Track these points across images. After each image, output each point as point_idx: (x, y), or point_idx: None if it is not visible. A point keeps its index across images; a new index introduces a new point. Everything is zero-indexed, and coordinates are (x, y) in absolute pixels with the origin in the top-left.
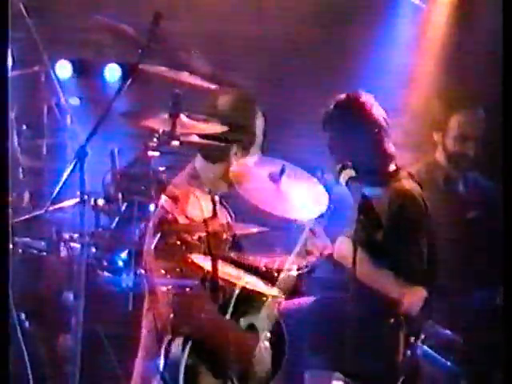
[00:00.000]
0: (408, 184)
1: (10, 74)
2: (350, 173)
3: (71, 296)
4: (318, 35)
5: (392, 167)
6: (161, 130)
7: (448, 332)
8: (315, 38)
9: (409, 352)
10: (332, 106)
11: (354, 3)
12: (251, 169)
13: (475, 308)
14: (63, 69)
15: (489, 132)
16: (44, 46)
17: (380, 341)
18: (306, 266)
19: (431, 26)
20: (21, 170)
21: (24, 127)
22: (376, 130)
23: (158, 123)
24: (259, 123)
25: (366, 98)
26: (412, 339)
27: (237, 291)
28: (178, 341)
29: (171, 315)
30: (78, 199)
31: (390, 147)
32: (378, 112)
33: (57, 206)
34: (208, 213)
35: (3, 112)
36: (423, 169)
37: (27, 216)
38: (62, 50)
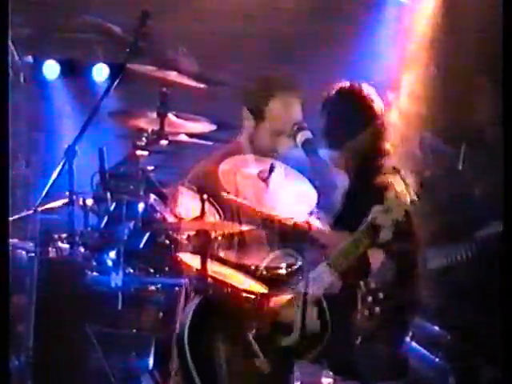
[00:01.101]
0: (392, 179)
1: None
2: (306, 134)
3: (25, 256)
4: (305, 33)
5: (381, 162)
6: (149, 130)
7: (436, 328)
8: (303, 35)
9: (367, 312)
10: (334, 92)
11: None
12: (240, 167)
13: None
14: (51, 69)
15: (441, 91)
16: (32, 45)
17: (339, 300)
18: (295, 264)
19: None
20: None
21: None
22: (374, 125)
23: (147, 122)
24: (275, 107)
25: (369, 91)
26: (370, 299)
27: None
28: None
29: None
30: (66, 199)
31: (385, 143)
32: (379, 108)
33: (46, 207)
34: (196, 212)
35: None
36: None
37: (15, 217)
38: (49, 50)
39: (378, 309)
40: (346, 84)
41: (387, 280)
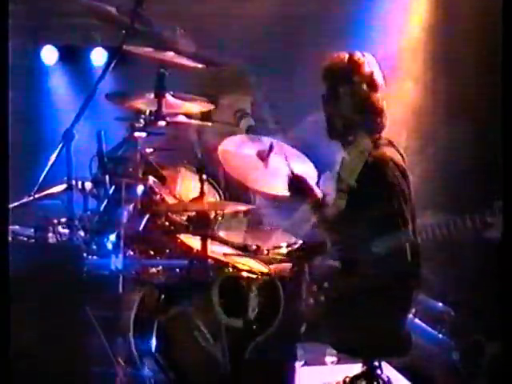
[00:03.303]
0: (388, 151)
1: None
2: (248, 121)
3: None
4: (305, 13)
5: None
6: (147, 111)
7: (439, 304)
8: (297, 17)
9: (312, 300)
10: (333, 60)
11: None
12: (239, 147)
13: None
14: (50, 54)
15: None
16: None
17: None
18: (295, 243)
19: None
20: None
21: None
22: (373, 92)
23: (145, 104)
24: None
25: (369, 59)
26: (314, 287)
27: None
28: None
29: None
30: (65, 185)
31: (384, 110)
32: (379, 76)
33: (45, 193)
34: (196, 192)
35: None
36: None
37: (14, 204)
38: (48, 36)
39: (322, 297)
40: (344, 52)
41: (332, 268)
